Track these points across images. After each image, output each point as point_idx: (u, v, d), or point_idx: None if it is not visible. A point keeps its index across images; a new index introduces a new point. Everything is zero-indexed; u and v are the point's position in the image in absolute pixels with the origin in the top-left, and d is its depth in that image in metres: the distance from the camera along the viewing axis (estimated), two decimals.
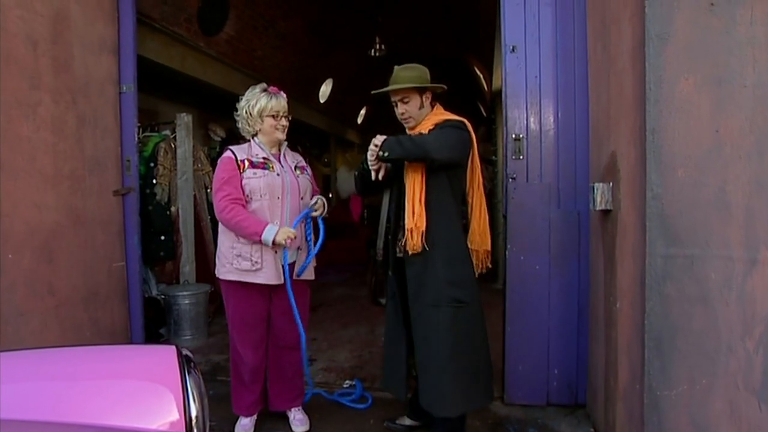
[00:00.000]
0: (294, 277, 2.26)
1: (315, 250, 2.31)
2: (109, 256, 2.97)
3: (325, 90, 8.17)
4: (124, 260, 3.08)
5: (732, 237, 1.57)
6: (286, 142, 2.37)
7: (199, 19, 4.72)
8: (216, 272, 2.28)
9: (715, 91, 1.58)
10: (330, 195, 9.56)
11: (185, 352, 0.95)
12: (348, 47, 7.60)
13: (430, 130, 2.04)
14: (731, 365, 1.57)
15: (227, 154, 2.24)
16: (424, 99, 2.12)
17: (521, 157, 2.59)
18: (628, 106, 1.86)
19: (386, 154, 1.94)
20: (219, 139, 5.49)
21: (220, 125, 5.52)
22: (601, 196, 2.10)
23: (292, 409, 2.43)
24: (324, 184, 9.36)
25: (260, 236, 2.09)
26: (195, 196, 4.19)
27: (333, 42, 7.25)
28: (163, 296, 3.79)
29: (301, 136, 8.65)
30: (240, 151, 2.24)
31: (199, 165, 4.32)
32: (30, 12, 2.47)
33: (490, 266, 2.24)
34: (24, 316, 2.41)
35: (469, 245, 2.14)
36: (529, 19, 2.56)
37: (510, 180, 2.59)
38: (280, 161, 2.29)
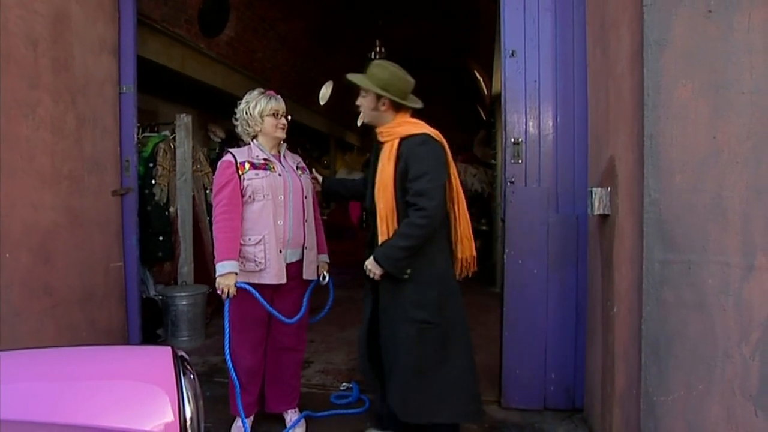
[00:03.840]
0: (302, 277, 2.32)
1: (324, 311, 2.45)
2: (106, 256, 2.96)
3: (325, 92, 8.18)
4: (121, 260, 3.08)
5: (729, 243, 1.57)
6: (285, 144, 2.37)
7: (199, 21, 4.73)
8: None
9: (713, 97, 1.59)
10: None
11: (181, 353, 0.94)
12: (348, 50, 7.62)
13: (399, 147, 1.98)
14: (728, 371, 1.57)
15: (227, 157, 2.23)
16: (379, 104, 2.07)
17: (520, 161, 2.59)
18: (627, 112, 1.86)
19: (398, 273, 1.94)
20: (218, 140, 5.49)
21: (219, 126, 5.52)
22: (599, 200, 2.10)
23: (288, 411, 2.42)
24: None
25: (216, 262, 2.12)
26: (194, 196, 4.19)
27: (333, 45, 7.27)
28: (160, 297, 3.78)
29: (301, 138, 8.66)
30: (240, 153, 2.24)
31: (199, 166, 4.32)
32: (30, 12, 2.47)
33: (475, 269, 2.19)
34: (20, 316, 2.40)
35: (456, 254, 2.09)
36: (528, 23, 2.57)
37: (509, 184, 2.59)
38: (280, 162, 2.29)
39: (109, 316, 2.97)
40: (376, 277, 2.00)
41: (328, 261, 2.46)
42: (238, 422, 2.33)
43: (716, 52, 1.58)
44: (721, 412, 1.57)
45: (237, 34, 5.38)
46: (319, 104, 8.19)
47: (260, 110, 2.23)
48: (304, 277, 2.30)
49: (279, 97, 2.30)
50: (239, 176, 2.18)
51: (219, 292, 2.12)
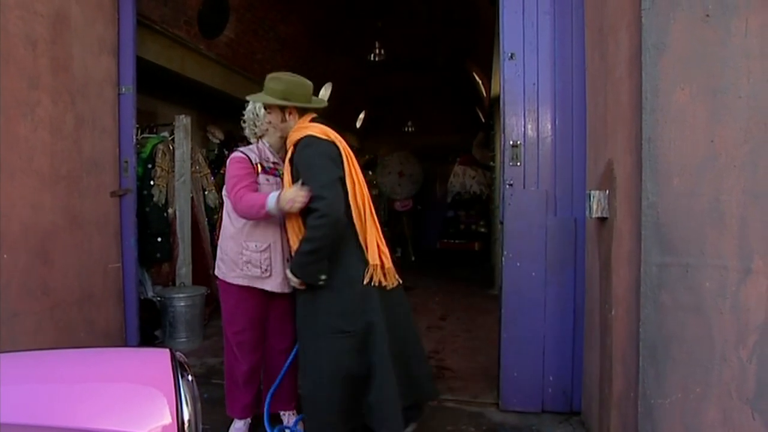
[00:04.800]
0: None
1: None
2: (105, 257, 2.96)
3: (325, 94, 8.20)
4: (120, 261, 3.08)
5: (726, 246, 1.58)
6: None
7: (199, 22, 4.73)
8: (221, 275, 2.27)
9: (711, 101, 1.59)
10: None
11: (178, 355, 0.94)
12: (348, 52, 7.62)
13: (291, 154, 1.99)
14: (725, 374, 1.57)
15: (239, 154, 2.21)
16: (286, 114, 2.06)
17: (518, 163, 2.60)
18: (625, 115, 1.87)
19: (309, 278, 1.91)
20: (217, 141, 5.49)
21: (218, 127, 5.52)
22: (597, 203, 2.10)
23: (286, 413, 2.42)
24: None
25: (265, 207, 2.04)
26: (192, 198, 4.18)
27: (333, 46, 7.27)
28: (158, 298, 3.77)
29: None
30: (251, 153, 2.23)
31: (197, 167, 4.32)
32: (29, 12, 2.47)
33: (386, 281, 1.99)
34: (18, 317, 2.39)
35: (368, 260, 1.96)
36: (527, 27, 2.58)
37: (507, 186, 2.60)
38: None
39: (107, 317, 2.96)
40: (298, 287, 1.99)
41: None
42: (236, 424, 2.33)
43: (714, 57, 1.59)
44: (718, 415, 1.57)
45: (237, 36, 5.38)
46: None
47: (257, 111, 2.25)
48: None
49: None
50: (256, 173, 2.19)
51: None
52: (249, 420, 2.36)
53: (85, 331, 2.79)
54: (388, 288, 2.01)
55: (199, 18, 4.73)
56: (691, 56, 1.61)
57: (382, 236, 2.02)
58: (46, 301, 2.55)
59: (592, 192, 2.14)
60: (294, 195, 1.93)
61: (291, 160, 1.97)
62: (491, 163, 6.79)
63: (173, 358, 0.92)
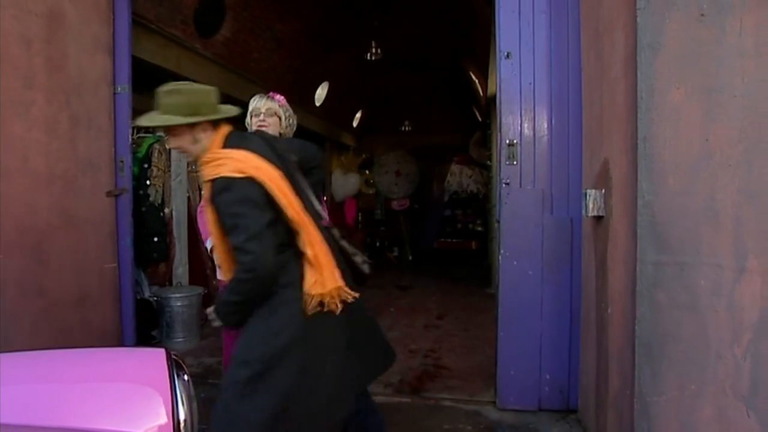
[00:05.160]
0: None
1: None
2: (101, 257, 2.95)
3: (321, 93, 8.19)
4: (116, 262, 3.06)
5: (721, 245, 1.58)
6: None
7: (195, 21, 4.72)
8: (222, 278, 2.26)
9: (705, 100, 1.60)
10: (325, 198, 9.53)
11: (174, 355, 0.94)
12: (344, 51, 7.62)
13: (209, 194, 1.59)
14: (720, 372, 1.58)
15: None
16: (197, 132, 1.64)
17: (515, 162, 2.60)
18: (621, 115, 1.88)
19: (232, 324, 1.68)
20: None
21: None
22: (593, 202, 2.11)
23: None
24: None
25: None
26: (189, 197, 4.17)
27: (330, 45, 7.26)
28: (155, 298, 3.76)
29: (297, 139, 8.64)
30: None
31: (194, 167, 4.30)
32: (24, 11, 2.46)
33: (339, 305, 1.61)
34: (14, 317, 2.38)
35: (311, 291, 1.58)
36: (523, 26, 2.58)
37: (504, 185, 2.60)
38: None
39: (104, 317, 2.95)
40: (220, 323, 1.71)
41: None
42: None
43: (708, 56, 1.59)
44: (713, 413, 1.58)
45: (233, 35, 5.37)
46: (315, 105, 8.19)
47: (250, 111, 2.30)
48: None
49: (274, 98, 2.33)
50: None
51: None
52: None
53: (81, 331, 2.78)
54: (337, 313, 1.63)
55: (195, 17, 4.72)
56: (686, 55, 1.61)
57: (330, 257, 1.65)
58: (42, 302, 2.54)
59: (588, 191, 2.14)
60: None
61: (212, 200, 1.60)
62: (488, 162, 6.80)
63: (169, 357, 0.92)
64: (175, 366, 0.89)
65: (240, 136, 1.73)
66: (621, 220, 1.88)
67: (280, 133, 2.32)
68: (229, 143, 1.65)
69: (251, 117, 2.31)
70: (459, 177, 9.46)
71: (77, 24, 2.77)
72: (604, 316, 2.06)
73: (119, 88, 3.05)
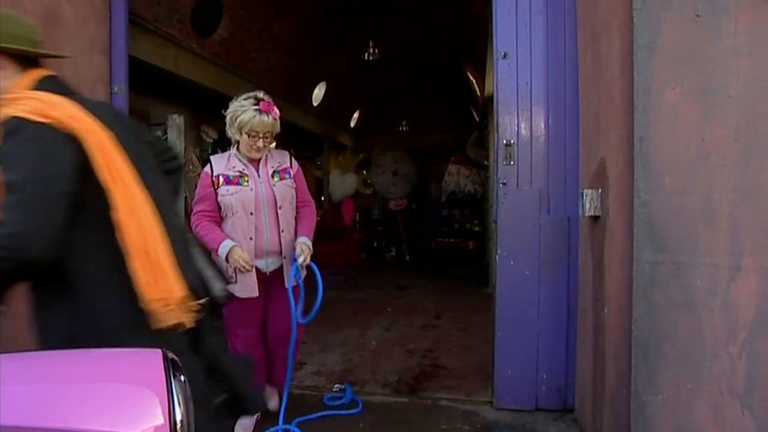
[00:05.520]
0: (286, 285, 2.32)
1: (314, 311, 2.29)
2: None
3: (318, 93, 8.19)
4: None
5: (717, 244, 1.59)
6: (272, 144, 2.39)
7: (192, 21, 4.71)
8: None
9: (701, 100, 1.61)
10: (322, 198, 9.55)
11: (171, 355, 0.94)
12: (342, 51, 7.62)
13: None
14: (715, 371, 1.59)
15: (206, 168, 2.31)
16: None
17: (512, 162, 2.61)
18: (617, 114, 1.88)
19: None
20: (211, 140, 5.47)
21: (212, 127, 5.50)
22: (590, 202, 2.12)
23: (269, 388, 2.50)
24: (316, 187, 9.34)
25: (217, 252, 2.15)
26: (186, 198, 4.16)
27: (327, 45, 7.26)
28: None
29: (294, 139, 8.64)
30: (218, 163, 2.29)
31: (191, 167, 4.30)
32: (20, 11, 2.42)
33: (186, 322, 1.23)
34: (11, 318, 2.37)
35: (145, 295, 1.19)
36: (520, 26, 2.59)
37: (501, 185, 2.61)
38: (258, 170, 2.29)
39: None
40: None
41: (308, 244, 2.31)
42: (242, 421, 2.33)
43: (704, 56, 1.60)
44: (709, 411, 1.59)
45: (230, 35, 5.36)
46: (313, 105, 8.19)
47: (241, 124, 2.17)
48: (286, 285, 2.33)
49: (272, 112, 2.19)
50: (215, 190, 2.24)
51: (233, 272, 2.16)
52: (257, 416, 2.36)
53: None
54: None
55: (193, 17, 4.71)
56: (682, 56, 1.62)
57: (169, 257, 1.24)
58: None
59: (585, 191, 2.15)
60: (239, 258, 2.11)
61: None
62: (485, 162, 6.81)
63: (165, 358, 0.92)
64: (171, 366, 0.89)
65: (62, 84, 1.31)
66: (618, 219, 1.88)
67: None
68: (40, 86, 1.25)
69: (241, 133, 2.17)
70: (456, 177, 9.47)
71: (74, 24, 2.76)
72: (601, 316, 2.07)
73: (116, 88, 3.04)
